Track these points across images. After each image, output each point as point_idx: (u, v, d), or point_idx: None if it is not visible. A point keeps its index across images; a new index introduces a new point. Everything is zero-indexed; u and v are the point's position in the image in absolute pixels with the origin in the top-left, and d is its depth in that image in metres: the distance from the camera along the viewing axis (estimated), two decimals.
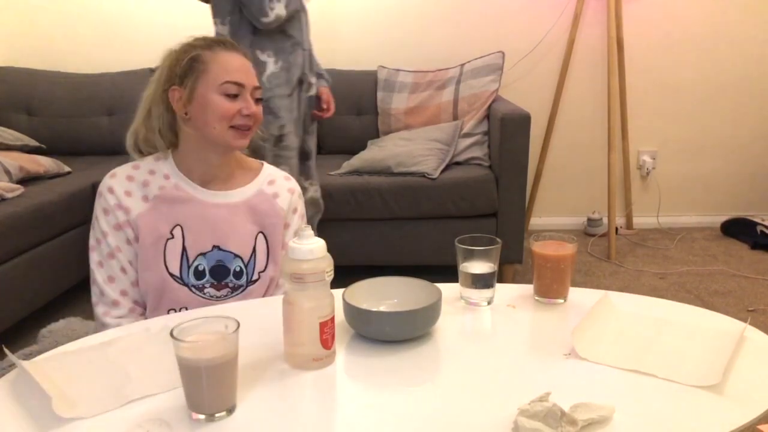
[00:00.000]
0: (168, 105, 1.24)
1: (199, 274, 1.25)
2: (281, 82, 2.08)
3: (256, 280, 1.29)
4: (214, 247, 1.26)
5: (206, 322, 0.82)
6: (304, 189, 2.24)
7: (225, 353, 0.79)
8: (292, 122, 2.13)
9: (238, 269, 1.27)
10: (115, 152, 2.97)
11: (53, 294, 2.35)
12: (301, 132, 2.20)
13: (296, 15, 2.09)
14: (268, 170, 1.36)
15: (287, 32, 2.07)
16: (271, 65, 2.06)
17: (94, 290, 1.25)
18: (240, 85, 1.22)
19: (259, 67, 2.04)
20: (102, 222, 1.24)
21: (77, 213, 2.42)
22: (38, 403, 0.83)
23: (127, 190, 1.24)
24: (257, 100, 1.25)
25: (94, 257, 1.25)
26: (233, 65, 1.22)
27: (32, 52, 3.24)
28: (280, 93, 2.08)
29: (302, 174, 2.28)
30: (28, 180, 2.46)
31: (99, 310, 1.24)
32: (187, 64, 1.21)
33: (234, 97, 1.21)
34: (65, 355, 0.96)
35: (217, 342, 0.79)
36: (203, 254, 1.25)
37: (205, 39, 1.25)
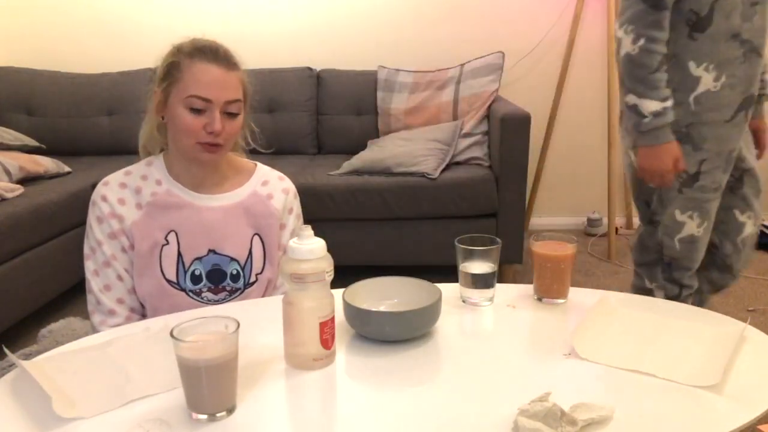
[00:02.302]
0: None
1: (195, 279, 1.25)
2: (718, 105, 1.57)
3: (253, 283, 1.29)
4: (210, 251, 1.25)
5: (206, 322, 0.82)
6: (739, 224, 1.74)
7: (225, 353, 0.79)
8: (721, 156, 1.60)
9: (234, 272, 1.27)
10: (115, 152, 2.98)
11: (53, 294, 2.35)
12: (730, 165, 1.64)
13: (756, 9, 1.53)
14: (262, 171, 1.35)
15: (741, 36, 1.52)
16: (708, 82, 1.55)
17: (90, 299, 1.25)
18: (206, 100, 1.16)
19: (688, 83, 1.56)
20: (96, 231, 1.23)
21: (77, 213, 2.42)
22: (38, 403, 0.83)
23: (121, 198, 1.23)
24: (230, 114, 1.19)
25: (89, 266, 1.24)
26: (204, 78, 1.16)
27: (32, 52, 3.24)
28: (713, 119, 1.57)
29: (735, 206, 1.73)
30: (28, 180, 2.46)
31: (96, 319, 1.24)
32: (165, 69, 1.19)
33: (199, 111, 1.17)
34: (65, 355, 0.96)
35: (217, 342, 0.79)
36: (199, 259, 1.25)
37: (193, 44, 1.20)
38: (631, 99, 1.56)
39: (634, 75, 1.54)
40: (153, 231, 1.23)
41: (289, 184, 1.36)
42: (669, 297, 1.73)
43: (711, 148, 1.59)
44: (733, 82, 1.55)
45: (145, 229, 1.23)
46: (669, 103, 1.55)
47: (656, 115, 1.54)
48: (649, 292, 1.77)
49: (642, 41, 1.51)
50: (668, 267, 1.72)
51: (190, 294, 1.24)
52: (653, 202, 1.71)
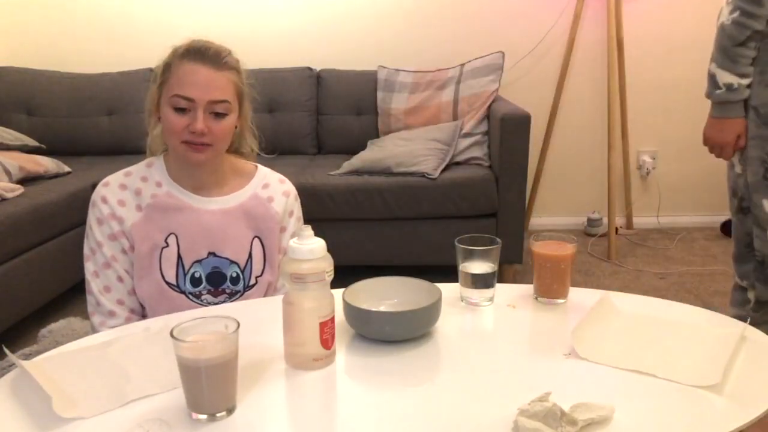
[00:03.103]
0: None
1: (195, 282, 1.25)
2: None
3: (253, 285, 1.28)
4: (210, 253, 1.25)
5: (206, 322, 0.82)
6: None
7: (225, 353, 0.79)
8: None
9: (234, 275, 1.27)
10: (115, 152, 2.97)
11: (53, 294, 2.35)
12: None
13: None
14: (263, 173, 1.34)
15: None
16: None
17: (90, 300, 1.24)
18: (189, 99, 1.16)
19: None
20: (96, 232, 1.23)
21: (77, 213, 2.41)
22: (38, 403, 0.83)
23: (121, 199, 1.23)
24: (217, 115, 1.18)
25: (89, 267, 1.24)
26: (189, 78, 1.16)
27: (32, 52, 3.24)
28: None
29: None
30: (28, 180, 2.46)
31: (95, 320, 1.23)
32: (160, 70, 1.20)
33: (183, 111, 1.17)
34: (65, 355, 0.96)
35: (217, 342, 0.79)
36: (199, 261, 1.25)
37: (189, 45, 1.20)
38: (712, 67, 1.59)
39: (719, 44, 1.57)
40: (153, 233, 1.23)
41: (289, 187, 1.35)
42: (760, 299, 1.66)
43: None
44: None
45: (145, 231, 1.23)
46: (745, 80, 1.54)
47: (729, 88, 1.55)
48: (742, 291, 1.72)
49: (736, 14, 1.52)
50: (761, 265, 1.64)
51: (190, 296, 1.24)
52: (741, 188, 1.66)
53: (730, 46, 1.54)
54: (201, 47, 1.20)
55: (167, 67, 1.19)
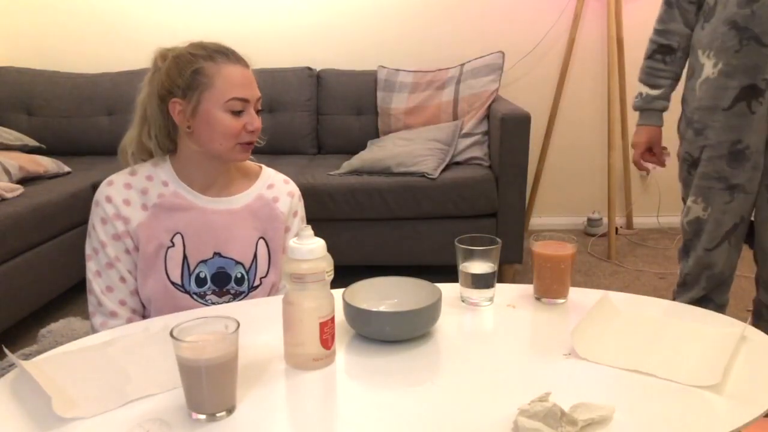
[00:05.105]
0: (166, 113, 1.22)
1: (200, 282, 1.24)
2: (715, 92, 1.59)
3: (257, 286, 1.28)
4: (215, 254, 1.25)
5: (206, 322, 0.82)
6: None
7: (225, 353, 0.79)
8: (722, 146, 1.60)
9: (239, 275, 1.27)
10: (114, 152, 2.95)
11: (53, 294, 2.35)
12: (741, 159, 1.60)
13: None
14: (267, 173, 1.35)
15: (739, 24, 1.52)
16: (708, 69, 1.60)
17: (91, 300, 1.24)
18: (245, 100, 1.19)
19: (696, 70, 1.64)
20: (100, 232, 1.22)
21: (77, 213, 2.42)
22: (38, 403, 0.83)
23: (126, 199, 1.22)
24: (258, 111, 1.23)
25: (91, 267, 1.23)
26: (237, 79, 1.18)
27: (32, 52, 3.24)
28: (711, 105, 1.60)
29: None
30: (28, 180, 2.46)
31: (96, 320, 1.23)
32: (190, 77, 1.17)
33: (239, 113, 1.19)
34: (65, 355, 0.96)
35: (217, 342, 0.79)
36: (204, 261, 1.24)
37: (205, 48, 1.20)
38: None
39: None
40: (158, 233, 1.22)
41: (293, 188, 1.35)
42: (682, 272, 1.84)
43: (710, 136, 1.63)
44: (728, 69, 1.56)
45: (151, 230, 1.22)
46: (655, 91, 1.77)
47: (639, 96, 1.82)
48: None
49: (652, 33, 1.74)
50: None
51: (194, 296, 1.24)
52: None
53: (643, 60, 1.77)
54: (223, 48, 1.21)
55: (199, 72, 1.17)
